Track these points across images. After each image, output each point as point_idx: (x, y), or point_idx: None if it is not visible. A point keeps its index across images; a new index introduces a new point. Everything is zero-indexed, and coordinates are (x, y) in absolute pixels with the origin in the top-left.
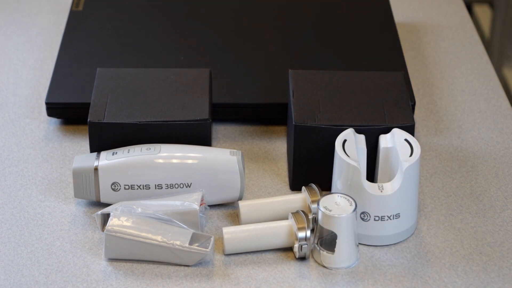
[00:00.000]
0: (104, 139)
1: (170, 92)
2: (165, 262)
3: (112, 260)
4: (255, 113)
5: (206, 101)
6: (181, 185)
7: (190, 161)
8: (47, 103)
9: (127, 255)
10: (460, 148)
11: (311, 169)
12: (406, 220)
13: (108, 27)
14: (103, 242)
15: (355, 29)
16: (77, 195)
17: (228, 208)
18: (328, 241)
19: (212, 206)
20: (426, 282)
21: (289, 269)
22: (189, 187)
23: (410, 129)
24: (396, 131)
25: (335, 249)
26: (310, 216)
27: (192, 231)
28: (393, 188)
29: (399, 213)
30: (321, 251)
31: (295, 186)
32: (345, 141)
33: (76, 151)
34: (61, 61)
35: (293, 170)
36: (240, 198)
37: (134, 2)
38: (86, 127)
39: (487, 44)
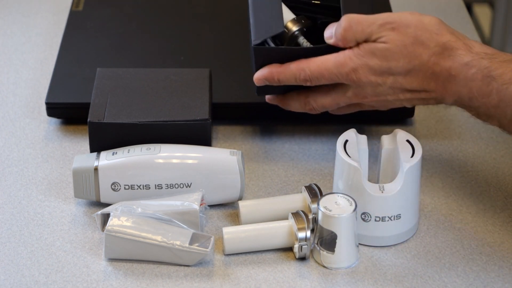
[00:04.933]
0: (104, 139)
1: (170, 92)
2: (165, 262)
3: (112, 260)
4: (255, 113)
5: (206, 101)
6: (181, 185)
7: (190, 161)
8: (47, 103)
9: (127, 255)
10: (460, 148)
11: None
12: (407, 221)
13: (108, 27)
14: (103, 242)
15: None
16: (77, 195)
17: (228, 208)
18: (328, 241)
19: (212, 206)
20: (426, 282)
21: (289, 269)
22: (189, 187)
23: None
24: (398, 131)
25: (335, 249)
26: (310, 216)
27: (192, 231)
28: (394, 189)
29: (400, 214)
30: (321, 251)
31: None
32: (346, 141)
33: (76, 151)
34: (61, 61)
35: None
36: (240, 198)
37: (134, 2)
38: (86, 127)
39: (487, 44)
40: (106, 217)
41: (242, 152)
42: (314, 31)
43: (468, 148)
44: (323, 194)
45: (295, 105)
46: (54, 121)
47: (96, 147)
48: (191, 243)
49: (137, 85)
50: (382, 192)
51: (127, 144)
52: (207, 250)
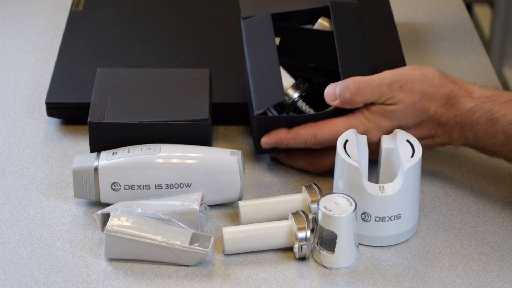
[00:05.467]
0: (104, 139)
1: (170, 92)
2: (165, 262)
3: (112, 260)
4: None
5: (206, 101)
6: (181, 185)
7: (190, 161)
8: (47, 103)
9: (127, 255)
10: (460, 148)
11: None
12: (407, 221)
13: (108, 27)
14: (103, 242)
15: None
16: (77, 195)
17: (228, 208)
18: (328, 241)
19: (212, 206)
20: (426, 282)
21: (289, 269)
22: (189, 187)
23: None
24: (398, 131)
25: (335, 249)
26: (310, 216)
27: (192, 231)
28: (394, 189)
29: (400, 214)
30: (321, 251)
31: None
32: (346, 141)
33: (76, 151)
34: (61, 61)
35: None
36: (240, 198)
37: (134, 2)
38: (86, 127)
39: (487, 44)
40: (106, 217)
41: (242, 152)
42: (310, 91)
43: (468, 148)
44: (323, 194)
45: (300, 164)
46: (54, 121)
47: (96, 147)
48: (191, 243)
49: (137, 85)
50: (382, 192)
51: (127, 144)
52: (207, 250)
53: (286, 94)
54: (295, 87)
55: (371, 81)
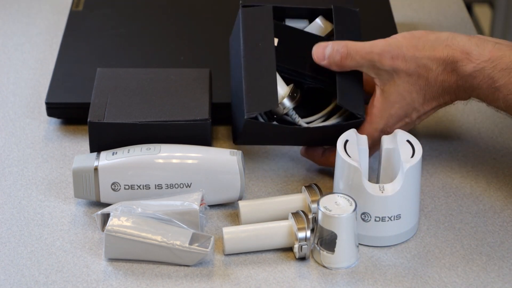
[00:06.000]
0: (104, 139)
1: (170, 92)
2: (165, 262)
3: (112, 260)
4: None
5: (206, 101)
6: (181, 185)
7: (190, 161)
8: (47, 103)
9: (127, 255)
10: (460, 148)
11: None
12: (407, 221)
13: (108, 27)
14: (103, 242)
15: None
16: (77, 195)
17: (228, 208)
18: (328, 241)
19: (212, 206)
20: (426, 282)
21: (289, 269)
22: (189, 187)
23: None
24: (398, 131)
25: (335, 249)
26: (310, 216)
27: (192, 231)
28: (394, 189)
29: (400, 214)
30: (321, 251)
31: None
32: (346, 141)
33: (76, 151)
34: (61, 61)
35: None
36: (240, 198)
37: (134, 2)
38: (86, 127)
39: None
40: (106, 217)
41: (242, 152)
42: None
43: (468, 148)
44: (323, 194)
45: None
46: (54, 121)
47: (96, 147)
48: (191, 243)
49: (137, 85)
50: (382, 192)
51: (127, 144)
52: (207, 250)
53: (280, 103)
54: (290, 97)
55: (362, 48)
